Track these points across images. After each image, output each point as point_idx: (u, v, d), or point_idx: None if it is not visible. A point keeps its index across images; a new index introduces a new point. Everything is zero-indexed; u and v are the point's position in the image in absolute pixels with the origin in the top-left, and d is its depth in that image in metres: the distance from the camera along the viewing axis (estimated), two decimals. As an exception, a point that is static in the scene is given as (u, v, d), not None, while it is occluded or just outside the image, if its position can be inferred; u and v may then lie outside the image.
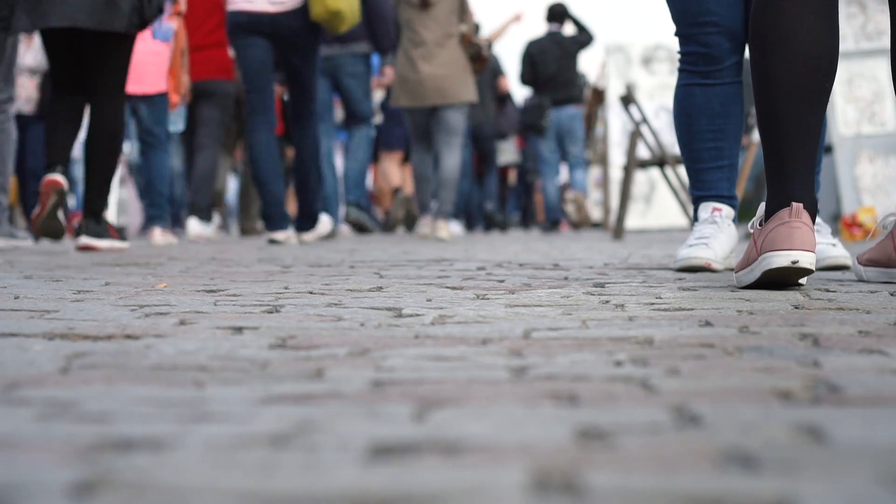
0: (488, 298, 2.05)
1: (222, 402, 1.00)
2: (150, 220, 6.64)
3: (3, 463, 0.77)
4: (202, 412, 0.95)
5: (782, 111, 2.21)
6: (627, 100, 7.08)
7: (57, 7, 4.32)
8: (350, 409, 0.96)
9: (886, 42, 7.33)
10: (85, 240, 4.48)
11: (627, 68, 11.58)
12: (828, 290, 2.17)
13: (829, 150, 7.35)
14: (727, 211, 3.06)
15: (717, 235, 2.98)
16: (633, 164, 7.19)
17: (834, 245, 2.92)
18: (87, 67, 4.51)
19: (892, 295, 2.06)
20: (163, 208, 6.58)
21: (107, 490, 0.69)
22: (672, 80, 11.68)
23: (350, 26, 5.95)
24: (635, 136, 7.08)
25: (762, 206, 2.24)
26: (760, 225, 2.23)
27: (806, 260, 2.11)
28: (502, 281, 2.57)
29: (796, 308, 1.83)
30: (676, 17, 3.02)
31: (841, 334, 1.47)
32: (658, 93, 11.56)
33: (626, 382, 1.09)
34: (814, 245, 2.13)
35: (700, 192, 3.05)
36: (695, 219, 3.06)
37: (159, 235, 6.34)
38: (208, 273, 2.92)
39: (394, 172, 10.41)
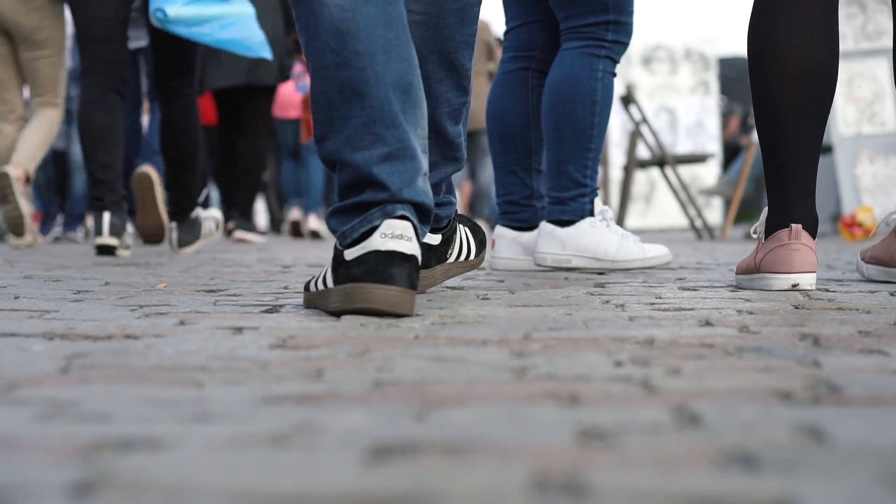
0: (489, 298, 2.05)
1: (222, 402, 1.00)
2: (307, 210, 8.68)
3: (3, 463, 0.77)
4: (202, 412, 0.95)
5: (782, 130, 2.21)
6: (627, 100, 7.08)
7: (228, 69, 6.39)
8: (350, 409, 0.96)
9: (886, 42, 7.33)
10: (239, 233, 6.47)
11: (627, 68, 11.58)
12: (828, 290, 2.17)
13: (829, 150, 7.35)
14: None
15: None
16: (633, 164, 7.19)
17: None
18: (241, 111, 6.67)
19: (892, 295, 2.06)
20: (317, 201, 8.84)
21: (106, 490, 0.69)
22: (672, 80, 11.70)
23: None
24: (635, 136, 7.09)
25: (765, 212, 2.26)
26: (763, 233, 2.26)
27: (806, 282, 2.17)
28: (502, 281, 2.57)
29: (796, 308, 1.83)
30: (629, 5, 3.04)
31: (841, 334, 1.47)
32: (658, 93, 11.56)
33: (627, 382, 1.09)
34: (814, 265, 2.18)
35: (594, 183, 3.05)
36: (589, 212, 3.02)
37: (315, 221, 8.32)
38: (208, 273, 2.92)
39: None
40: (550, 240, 2.99)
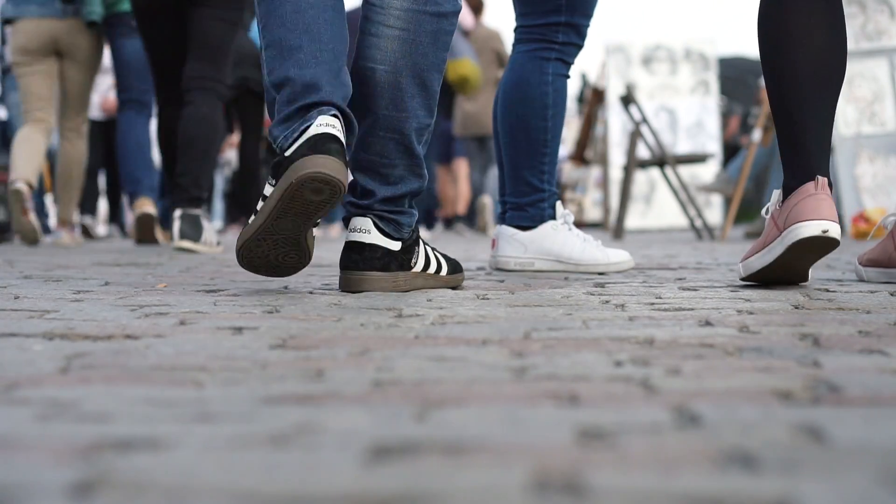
0: (488, 298, 2.05)
1: (222, 402, 1.00)
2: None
3: (3, 463, 0.77)
4: (202, 412, 0.95)
5: (798, 96, 2.25)
6: (627, 100, 7.08)
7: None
8: (350, 409, 0.96)
9: (886, 42, 7.33)
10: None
11: (627, 68, 11.58)
12: (828, 290, 2.17)
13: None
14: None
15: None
16: (633, 164, 7.19)
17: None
18: None
19: (892, 295, 2.06)
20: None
21: (106, 490, 0.69)
22: (673, 80, 11.70)
23: (475, 92, 8.40)
24: (635, 136, 7.08)
25: (777, 192, 2.28)
26: (779, 206, 2.26)
27: (834, 230, 2.17)
28: (502, 281, 2.57)
29: (796, 308, 1.83)
30: (586, 7, 2.99)
31: (841, 334, 1.47)
32: (658, 93, 11.55)
33: (627, 382, 1.09)
34: (836, 217, 2.18)
35: (553, 187, 3.03)
36: (548, 217, 3.00)
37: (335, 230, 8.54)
38: (208, 273, 2.92)
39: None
40: (512, 243, 2.98)
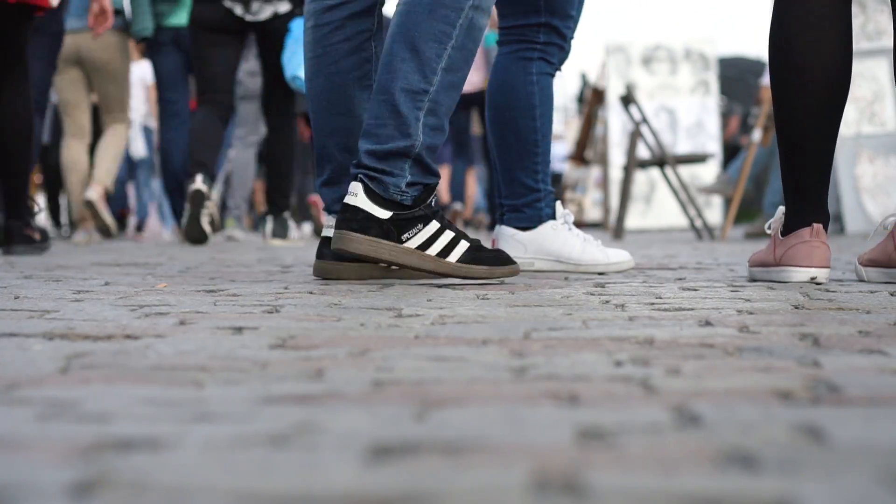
0: (488, 298, 2.05)
1: (222, 402, 1.00)
2: None
3: (3, 463, 0.77)
4: (202, 412, 0.95)
5: (804, 142, 2.41)
6: (627, 100, 7.08)
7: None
8: (350, 409, 0.96)
9: (886, 42, 7.33)
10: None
11: (627, 68, 11.58)
12: (828, 290, 2.17)
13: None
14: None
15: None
16: (633, 164, 7.19)
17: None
18: None
19: (892, 295, 2.06)
20: None
21: (106, 490, 0.69)
22: (673, 80, 11.70)
23: None
24: (635, 136, 7.08)
25: (781, 210, 2.47)
26: (780, 231, 2.44)
27: (822, 276, 2.36)
28: (502, 281, 2.57)
29: (796, 308, 1.83)
30: (566, 7, 2.98)
31: (841, 334, 1.47)
32: (658, 93, 11.55)
33: (627, 382, 1.09)
34: (829, 261, 2.39)
35: (549, 186, 3.02)
36: (546, 216, 2.99)
37: None
38: (208, 273, 2.92)
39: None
40: (512, 243, 2.98)
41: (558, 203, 3.02)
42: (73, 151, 6.44)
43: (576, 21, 3.02)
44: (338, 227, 2.33)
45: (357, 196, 2.31)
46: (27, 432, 0.88)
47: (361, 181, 2.33)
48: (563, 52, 3.02)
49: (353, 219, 2.31)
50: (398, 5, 2.38)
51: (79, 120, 6.48)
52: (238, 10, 5.64)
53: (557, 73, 3.03)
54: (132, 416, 0.93)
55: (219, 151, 5.73)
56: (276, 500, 0.67)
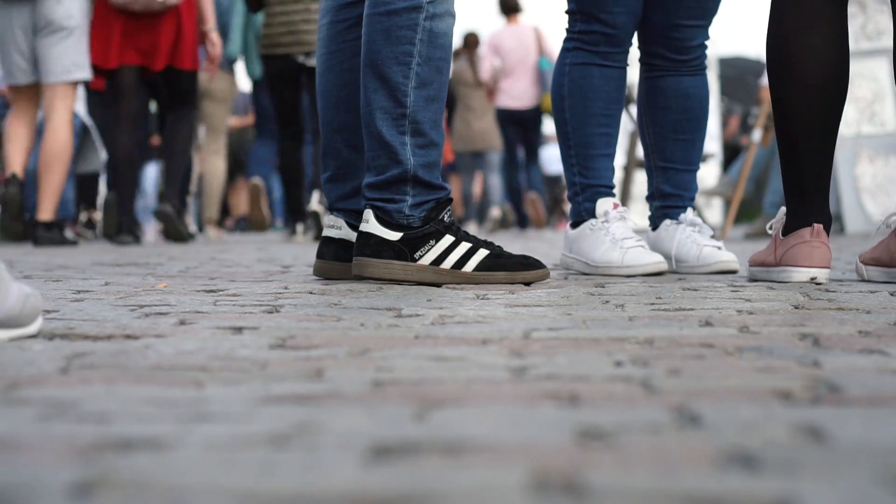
0: (488, 298, 2.05)
1: (222, 402, 1.00)
2: None
3: (4, 463, 0.77)
4: (202, 412, 0.95)
5: (803, 142, 2.42)
6: (627, 100, 7.08)
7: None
8: (350, 409, 0.96)
9: (886, 42, 7.33)
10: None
11: (627, 68, 11.56)
12: (828, 290, 2.17)
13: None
14: (623, 208, 2.92)
15: (637, 237, 2.88)
16: (633, 164, 7.19)
17: (719, 248, 2.87)
18: None
19: (892, 295, 2.06)
20: None
21: (107, 490, 0.69)
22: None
23: None
24: (635, 136, 7.09)
25: (783, 210, 2.47)
26: (781, 231, 2.44)
27: (823, 276, 2.36)
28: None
29: (796, 308, 1.83)
30: None
31: (841, 334, 1.47)
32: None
33: (627, 382, 1.09)
34: (829, 261, 2.38)
35: (589, 180, 2.89)
36: (586, 212, 2.88)
37: None
38: (208, 273, 2.92)
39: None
40: (566, 240, 2.96)
41: (601, 200, 2.89)
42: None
43: (619, 2, 2.85)
44: (355, 254, 2.41)
45: (369, 223, 2.38)
46: (28, 432, 0.88)
47: (371, 208, 2.39)
48: (614, 38, 2.87)
49: (366, 244, 2.38)
50: (362, 36, 2.43)
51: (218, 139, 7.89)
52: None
53: (627, 62, 2.93)
54: (132, 416, 0.93)
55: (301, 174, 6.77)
56: (276, 500, 0.67)
